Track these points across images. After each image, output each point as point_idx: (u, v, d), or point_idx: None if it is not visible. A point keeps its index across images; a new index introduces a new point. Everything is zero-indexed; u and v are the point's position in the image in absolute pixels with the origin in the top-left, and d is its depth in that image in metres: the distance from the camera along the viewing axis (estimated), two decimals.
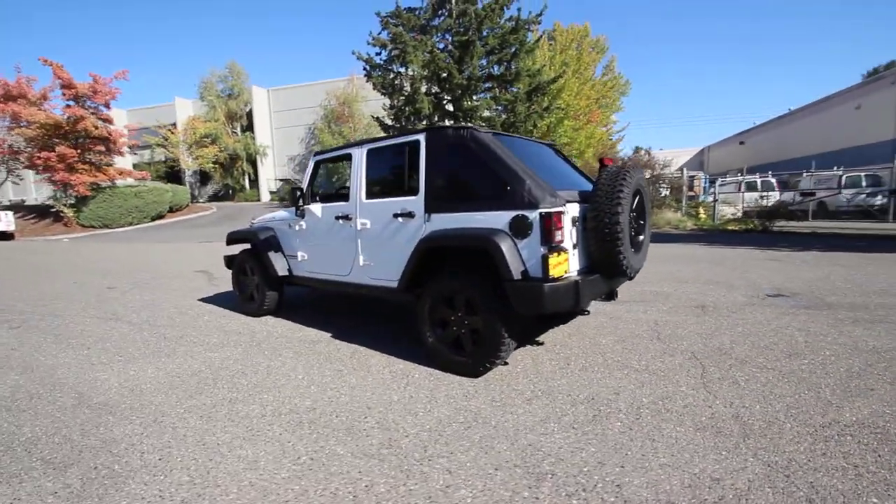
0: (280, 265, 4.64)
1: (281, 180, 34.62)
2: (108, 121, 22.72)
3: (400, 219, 3.49)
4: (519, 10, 18.58)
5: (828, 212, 17.24)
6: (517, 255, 2.85)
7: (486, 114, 18.91)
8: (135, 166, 29.49)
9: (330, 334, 4.26)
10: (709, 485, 1.94)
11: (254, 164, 34.85)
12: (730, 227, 14.87)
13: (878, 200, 16.32)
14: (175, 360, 3.69)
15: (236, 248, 5.54)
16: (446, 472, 2.07)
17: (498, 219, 2.95)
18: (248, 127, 35.16)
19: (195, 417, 2.67)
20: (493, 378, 3.12)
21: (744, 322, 4.34)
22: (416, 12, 19.32)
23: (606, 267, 3.04)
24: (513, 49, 18.77)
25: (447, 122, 20.26)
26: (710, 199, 18.34)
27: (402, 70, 19.36)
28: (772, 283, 6.11)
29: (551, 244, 2.78)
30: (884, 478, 1.96)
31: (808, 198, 16.59)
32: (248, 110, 35.18)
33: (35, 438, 2.50)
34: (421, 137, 3.41)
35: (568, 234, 2.88)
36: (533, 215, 2.81)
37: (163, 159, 35.76)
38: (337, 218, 4.00)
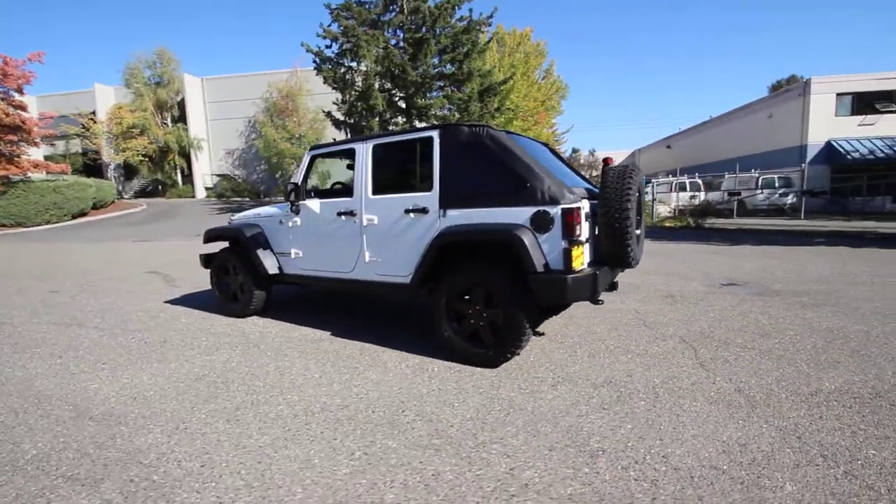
0: (270, 263, 4.47)
1: (218, 176, 32.67)
2: (21, 107, 20.24)
3: (412, 214, 3.50)
4: (470, 10, 18.89)
5: (746, 210, 19.17)
6: (539, 249, 2.99)
7: (441, 112, 19.02)
8: (47, 158, 26.46)
9: (328, 332, 4.18)
10: (739, 450, 2.18)
11: (187, 157, 32.57)
12: (667, 224, 16.11)
13: (790, 200, 18.39)
14: (169, 365, 3.46)
15: (206, 249, 5.25)
16: (505, 457, 2.16)
17: (519, 214, 3.06)
18: (181, 118, 32.78)
19: (221, 422, 2.55)
20: (510, 368, 3.24)
21: (712, 308, 4.79)
22: (367, 6, 19.03)
23: (615, 259, 3.25)
24: (465, 49, 19.03)
25: (400, 120, 20.16)
26: (648, 198, 19.75)
27: (354, 65, 19.01)
28: (722, 273, 6.76)
29: (571, 238, 2.94)
30: (873, 433, 2.30)
31: (734, 197, 18.31)
32: (179, 100, 32.78)
33: (43, 455, 2.28)
34: (434, 134, 3.44)
35: (584, 229, 3.06)
36: (555, 211, 2.96)
37: (80, 151, 32.44)
38: (339, 214, 3.93)
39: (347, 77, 19.37)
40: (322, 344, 3.87)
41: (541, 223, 2.99)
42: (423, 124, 19.97)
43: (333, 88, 19.44)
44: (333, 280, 4.12)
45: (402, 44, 19.06)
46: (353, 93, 19.28)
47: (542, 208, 2.99)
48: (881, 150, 21.05)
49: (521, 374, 3.15)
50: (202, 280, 7.07)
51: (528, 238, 2.97)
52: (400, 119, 20.31)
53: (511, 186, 3.13)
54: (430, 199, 3.42)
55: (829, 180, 21.63)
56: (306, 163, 4.23)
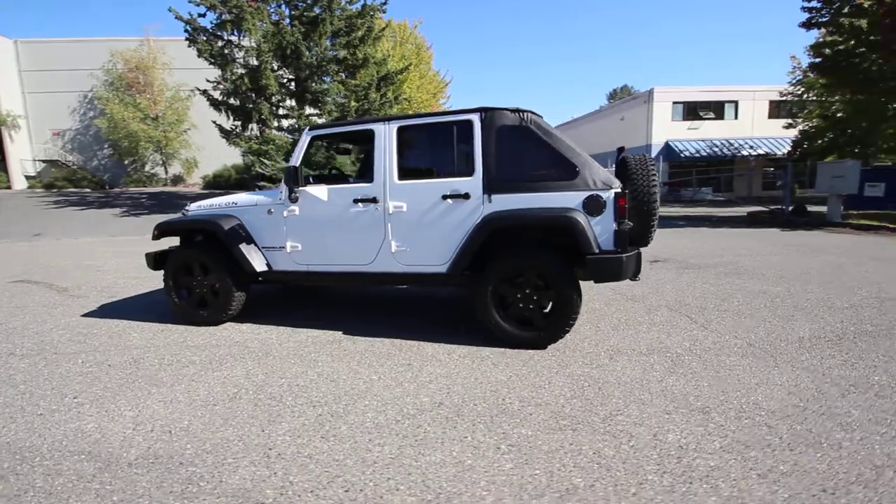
0: (258, 260, 3.87)
1: (45, 161, 26.49)
2: None
3: (450, 200, 3.37)
4: None
5: None
6: (593, 232, 3.14)
7: (340, 99, 18.11)
8: None
9: (339, 332, 3.80)
10: (795, 391, 2.62)
11: None
12: None
13: None
14: (174, 388, 2.82)
15: (156, 246, 4.35)
16: (638, 426, 2.27)
17: (571, 199, 3.17)
18: None
19: (315, 440, 2.20)
20: (559, 347, 3.36)
21: (662, 281, 5.52)
22: None
23: (640, 238, 3.57)
24: (360, 34, 18.36)
25: (292, 103, 18.72)
26: None
27: (237, 39, 17.02)
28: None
29: (622, 220, 3.16)
30: (867, 363, 2.96)
31: None
32: None
33: None
34: (474, 117, 3.35)
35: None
36: (607, 195, 3.13)
37: None
38: (356, 201, 3.58)
39: (227, 52, 17.25)
40: (345, 344, 3.52)
41: (593, 207, 3.14)
42: (372, 119, 18.84)
43: (211, 64, 17.13)
44: (345, 275, 3.76)
45: (291, 21, 17.60)
46: (234, 71, 17.26)
47: (594, 192, 3.15)
48: (704, 150, 26.05)
49: (570, 351, 3.29)
50: (106, 286, 5.80)
51: (585, 221, 3.11)
52: (290, 102, 18.87)
53: (561, 171, 3.22)
54: (471, 184, 3.34)
55: (668, 174, 26.07)
56: (305, 144, 3.75)
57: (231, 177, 25.50)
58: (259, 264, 3.87)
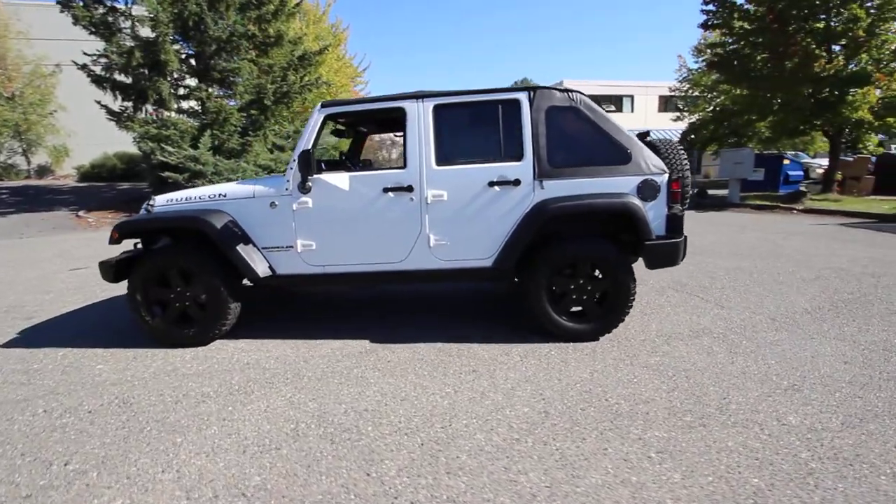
0: (260, 263, 3.23)
1: None
2: None
3: (497, 187, 3.08)
4: None
5: None
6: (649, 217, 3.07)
7: (254, 80, 16.40)
8: None
9: (366, 340, 3.33)
10: (849, 360, 2.79)
11: None
12: None
13: None
14: (205, 433, 2.20)
15: (115, 252, 3.45)
16: (756, 412, 2.24)
17: (625, 184, 3.06)
18: None
19: (444, 476, 1.83)
20: (610, 337, 3.26)
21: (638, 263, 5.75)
22: None
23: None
24: (272, 8, 16.77)
25: (194, 83, 16.59)
26: None
27: (124, 6, 14.59)
28: None
29: (674, 204, 3.13)
30: (878, 328, 3.27)
31: None
32: None
33: None
34: (522, 97, 3.07)
35: None
36: (661, 179, 3.08)
37: None
38: (386, 190, 3.12)
39: (111, 21, 14.71)
40: (383, 354, 3.08)
41: (647, 191, 3.07)
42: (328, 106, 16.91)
43: (91, 33, 14.47)
44: (371, 275, 3.29)
45: None
46: (121, 43, 14.80)
47: (648, 177, 3.07)
48: None
49: (622, 340, 3.22)
50: (12, 306, 4.57)
51: (642, 206, 3.02)
52: (192, 81, 16.74)
53: (613, 155, 3.09)
54: (521, 169, 3.07)
55: None
56: (317, 125, 3.17)
57: (115, 167, 22.10)
58: (263, 269, 3.23)
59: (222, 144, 15.37)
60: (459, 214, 3.14)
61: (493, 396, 2.48)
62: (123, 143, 18.75)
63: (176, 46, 15.39)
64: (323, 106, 3.19)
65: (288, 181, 3.20)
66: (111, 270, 3.24)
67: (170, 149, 14.84)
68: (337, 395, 2.55)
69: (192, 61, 16.52)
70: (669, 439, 2.04)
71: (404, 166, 3.15)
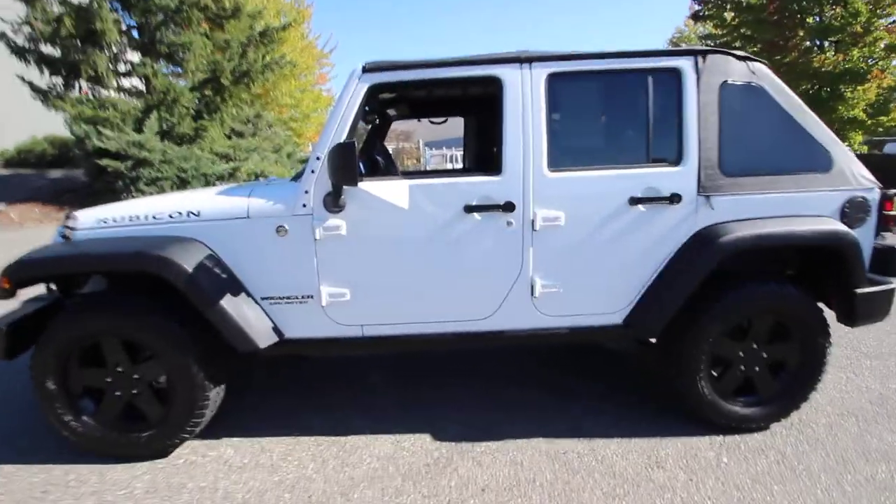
0: (259, 324, 1.98)
1: None
2: None
3: (642, 206, 1.99)
4: None
5: None
6: None
7: (209, 56, 14.46)
8: None
9: (429, 437, 2.17)
10: None
11: None
12: None
13: None
14: None
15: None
16: None
17: (826, 202, 2.06)
18: None
19: None
20: (792, 426, 2.26)
21: None
22: None
23: None
24: None
25: (136, 58, 14.44)
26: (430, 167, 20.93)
27: None
28: None
29: (885, 232, 2.16)
30: None
31: None
32: None
33: None
34: (685, 64, 1.98)
35: None
36: (872, 196, 2.10)
37: None
38: (470, 210, 1.96)
39: None
40: (470, 471, 1.94)
41: (854, 213, 2.08)
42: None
43: None
44: (437, 338, 2.12)
45: None
46: (47, 9, 12.55)
47: (856, 192, 2.08)
48: None
49: (807, 430, 2.23)
50: None
51: (856, 237, 2.02)
52: (136, 57, 14.61)
53: (810, 158, 2.09)
54: (681, 177, 2.00)
55: None
56: (357, 100, 1.94)
57: (46, 152, 19.28)
58: (262, 332, 1.99)
59: (172, 129, 13.44)
60: (581, 247, 2.03)
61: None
62: (56, 125, 16.23)
63: (115, 16, 13.27)
64: (367, 70, 1.96)
65: (306, 192, 1.96)
66: (4, 339, 1.89)
67: (109, 133, 12.73)
68: None
69: (135, 33, 14.41)
70: None
71: (497, 171, 1.99)
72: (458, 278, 2.04)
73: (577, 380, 2.69)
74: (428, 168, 20.77)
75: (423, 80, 2.04)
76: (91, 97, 14.06)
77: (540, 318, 2.10)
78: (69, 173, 18.50)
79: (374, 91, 2.01)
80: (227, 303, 1.92)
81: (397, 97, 2.67)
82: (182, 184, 12.34)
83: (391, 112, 2.95)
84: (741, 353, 2.14)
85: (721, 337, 2.10)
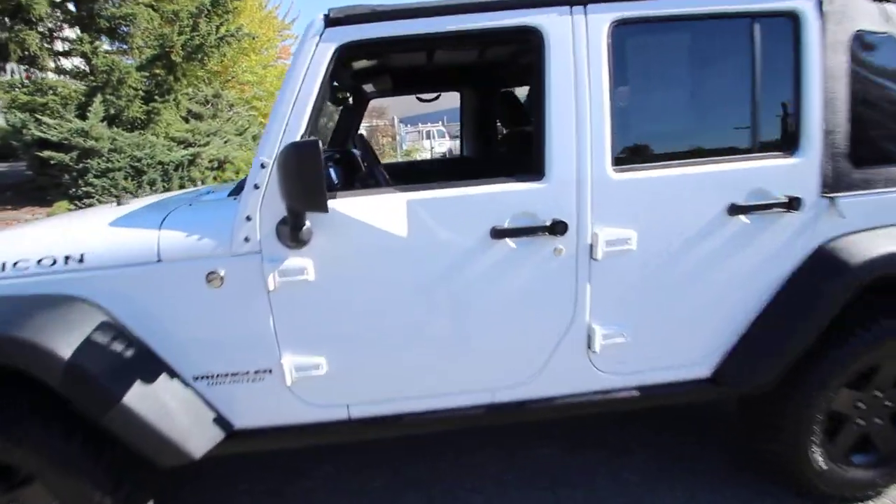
0: (195, 421, 1.32)
1: None
2: None
3: (745, 217, 1.37)
4: None
5: None
6: None
7: (156, 29, 13.07)
8: None
9: None
10: None
11: None
12: None
13: None
14: None
15: None
16: None
17: None
18: None
19: None
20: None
21: None
22: None
23: None
24: None
25: (73, 34, 12.98)
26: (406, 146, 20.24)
27: None
28: None
29: None
30: None
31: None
32: None
33: None
34: (806, 5, 1.33)
35: None
36: None
37: None
38: (498, 235, 1.31)
39: None
40: None
41: None
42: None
43: None
44: (455, 414, 1.49)
45: None
46: None
47: None
48: None
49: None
50: None
51: None
52: (73, 33, 13.13)
53: None
54: (798, 173, 1.38)
55: None
56: (320, 70, 1.25)
57: None
58: (198, 432, 1.33)
59: (120, 113, 12.12)
60: (659, 279, 1.41)
61: None
62: None
63: None
64: (331, 23, 1.24)
65: (248, 220, 1.28)
66: None
67: (49, 120, 11.39)
68: None
69: (71, 6, 12.87)
70: None
71: (539, 175, 1.33)
72: (484, 332, 1.41)
73: (634, 427, 2.12)
74: (404, 147, 19.86)
75: (417, 37, 1.32)
76: (26, 81, 12.64)
77: (600, 378, 1.49)
78: (13, 166, 16.95)
79: (343, 54, 1.30)
80: (136, 398, 1.24)
81: (378, 65, 1.93)
82: (137, 174, 11.24)
83: (368, 87, 2.20)
84: (861, 405, 1.59)
85: (840, 388, 1.54)
